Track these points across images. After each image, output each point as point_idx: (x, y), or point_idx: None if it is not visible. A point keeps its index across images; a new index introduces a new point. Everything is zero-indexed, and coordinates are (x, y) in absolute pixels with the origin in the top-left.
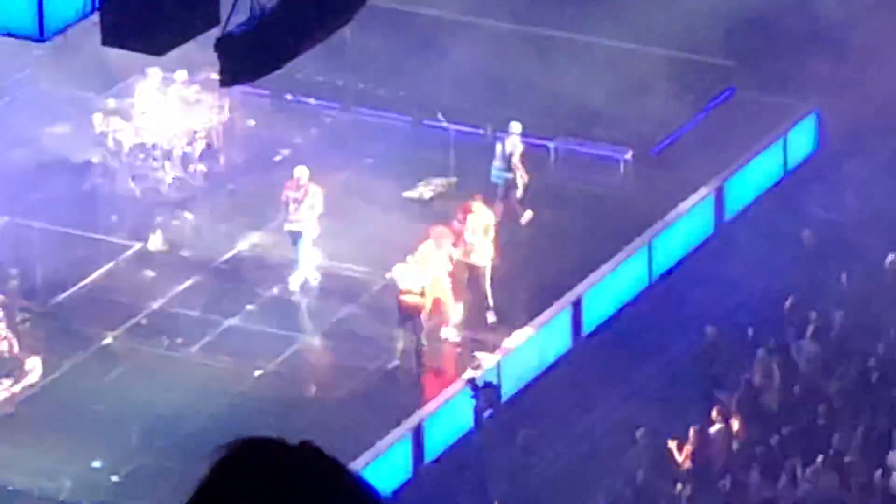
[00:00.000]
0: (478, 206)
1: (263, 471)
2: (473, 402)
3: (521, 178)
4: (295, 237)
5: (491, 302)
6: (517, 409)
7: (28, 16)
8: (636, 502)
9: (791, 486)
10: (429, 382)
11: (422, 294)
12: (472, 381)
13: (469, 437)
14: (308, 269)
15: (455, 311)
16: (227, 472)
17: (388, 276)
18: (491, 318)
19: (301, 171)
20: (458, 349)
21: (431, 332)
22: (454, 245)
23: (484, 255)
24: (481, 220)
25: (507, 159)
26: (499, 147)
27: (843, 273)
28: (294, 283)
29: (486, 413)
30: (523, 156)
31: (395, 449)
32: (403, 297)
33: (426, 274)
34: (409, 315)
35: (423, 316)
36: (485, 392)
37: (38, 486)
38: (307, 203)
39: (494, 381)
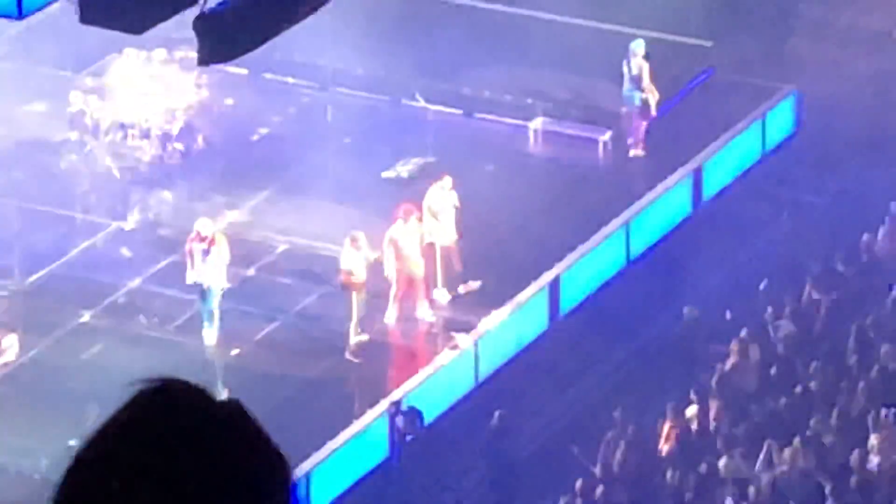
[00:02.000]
0: (446, 184)
1: (178, 414)
2: (394, 425)
3: (653, 96)
4: (204, 292)
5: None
6: (494, 389)
7: None
8: (613, 483)
9: (768, 467)
10: (406, 362)
11: (354, 273)
12: (396, 404)
13: (446, 416)
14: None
15: (428, 290)
16: (141, 408)
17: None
18: (445, 296)
19: (203, 224)
20: (434, 328)
21: (406, 312)
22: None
23: (450, 232)
24: (449, 198)
25: (637, 80)
26: (625, 68)
27: (821, 254)
28: (209, 338)
29: (408, 437)
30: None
31: (373, 427)
32: (342, 277)
33: (365, 254)
34: (347, 294)
35: (362, 295)
36: (408, 416)
37: (14, 463)
38: (214, 254)
39: (418, 407)
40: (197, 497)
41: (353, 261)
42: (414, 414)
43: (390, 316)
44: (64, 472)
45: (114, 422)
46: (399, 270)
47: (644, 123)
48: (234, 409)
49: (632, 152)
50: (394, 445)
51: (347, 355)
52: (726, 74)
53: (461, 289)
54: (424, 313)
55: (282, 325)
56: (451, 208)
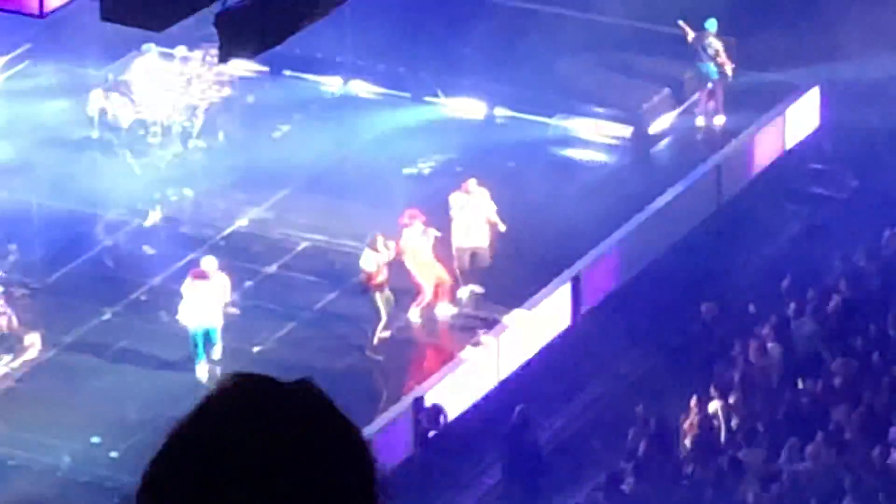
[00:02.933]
0: (473, 187)
1: (253, 405)
2: (418, 422)
3: (729, 66)
4: (206, 331)
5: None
6: (517, 386)
7: None
8: (636, 478)
9: (790, 463)
10: (428, 360)
11: (377, 274)
12: (419, 401)
13: (468, 414)
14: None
15: (450, 291)
16: (217, 404)
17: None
18: (470, 293)
19: (209, 262)
20: (456, 326)
21: (429, 310)
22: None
23: (482, 236)
24: (478, 201)
25: (714, 56)
26: (699, 48)
27: (844, 250)
28: (202, 373)
29: (431, 433)
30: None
31: (395, 425)
32: (365, 280)
33: (386, 255)
34: (371, 295)
35: (384, 295)
36: (430, 412)
37: (37, 461)
38: (215, 294)
39: (440, 403)
40: (283, 481)
41: (374, 262)
42: (437, 410)
43: (414, 314)
44: (144, 475)
45: (194, 420)
46: (420, 275)
47: (722, 92)
48: (305, 390)
49: (716, 120)
50: (416, 442)
51: (368, 353)
52: (748, 70)
53: (463, 293)
54: (444, 311)
55: (303, 322)
56: (488, 208)
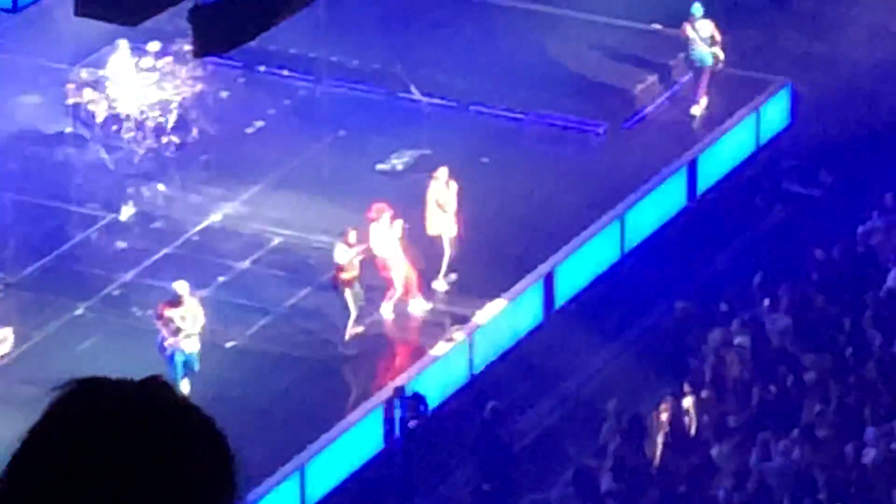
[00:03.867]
0: (442, 175)
1: (100, 409)
2: (398, 411)
3: (720, 50)
4: (185, 357)
5: (445, 271)
6: (488, 382)
7: None
8: (608, 474)
9: (763, 460)
10: (400, 355)
11: (350, 269)
12: (400, 390)
13: (439, 412)
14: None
15: (420, 285)
16: (61, 412)
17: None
18: (443, 286)
19: (181, 287)
20: (429, 321)
21: (401, 305)
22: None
23: (450, 226)
24: (447, 192)
25: (708, 40)
26: (691, 32)
27: (816, 247)
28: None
29: (412, 423)
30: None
31: (367, 421)
32: (337, 274)
33: (357, 250)
34: (341, 290)
35: (354, 290)
36: (411, 402)
37: (7, 457)
38: (191, 318)
39: (422, 392)
40: (137, 481)
41: (346, 256)
42: (417, 399)
43: (386, 310)
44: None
45: (35, 432)
46: (390, 270)
47: (708, 79)
48: (156, 386)
49: (694, 108)
50: (391, 434)
51: (341, 348)
52: (721, 67)
53: (438, 285)
54: (417, 307)
55: (276, 318)
56: (454, 200)
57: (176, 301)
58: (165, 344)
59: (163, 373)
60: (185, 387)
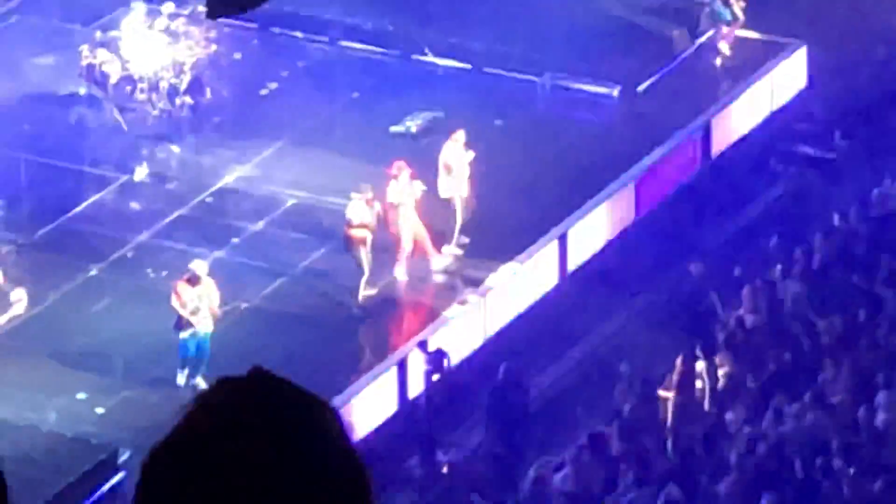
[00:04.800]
0: (460, 137)
1: (264, 402)
2: (424, 366)
3: (739, 5)
4: (200, 338)
5: (457, 235)
6: (502, 344)
7: None
8: (619, 438)
9: (776, 423)
10: (414, 317)
11: (365, 227)
12: (423, 345)
13: (452, 375)
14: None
15: (436, 243)
16: (207, 409)
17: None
18: (455, 250)
19: (199, 266)
20: (443, 284)
21: (414, 267)
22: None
23: (462, 187)
24: (462, 155)
25: None
26: None
27: (831, 210)
28: (181, 380)
29: (435, 377)
30: None
31: (380, 382)
32: (349, 231)
33: (373, 208)
34: (355, 248)
35: (368, 248)
36: (434, 357)
37: (22, 417)
38: (206, 299)
39: (444, 348)
40: (275, 489)
41: (362, 213)
42: (441, 354)
43: (400, 271)
44: (144, 463)
45: (197, 408)
46: (402, 227)
47: (734, 32)
48: (321, 405)
49: (719, 60)
50: (404, 396)
51: (355, 309)
52: (740, 25)
53: (449, 249)
54: (439, 264)
55: (290, 279)
56: (467, 163)
57: (193, 280)
58: (182, 322)
59: (176, 342)
60: (183, 377)
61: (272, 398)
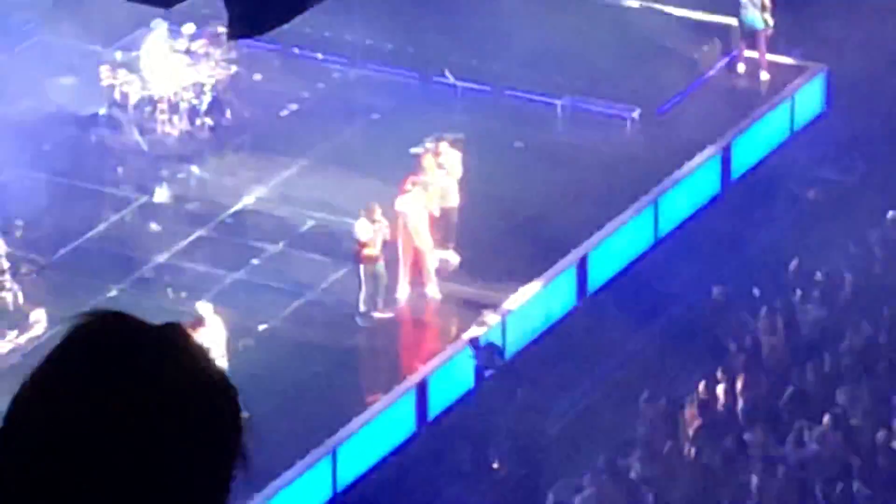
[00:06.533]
0: (445, 148)
1: (117, 344)
2: (474, 361)
3: (769, 20)
4: None
5: (452, 243)
6: (520, 367)
7: None
8: (639, 462)
9: (796, 446)
10: (433, 339)
11: (373, 245)
12: (474, 340)
13: (472, 393)
14: None
15: (436, 262)
16: (74, 343)
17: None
18: (454, 258)
19: (204, 308)
20: (462, 306)
21: (422, 287)
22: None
23: (453, 196)
24: (451, 162)
25: (759, 4)
26: None
27: (850, 233)
28: None
29: (487, 373)
30: None
31: (399, 406)
32: (357, 250)
33: (382, 226)
34: (362, 266)
35: (375, 268)
36: (486, 351)
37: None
38: (215, 339)
39: (497, 341)
40: (141, 418)
41: (367, 232)
42: (493, 349)
43: (402, 291)
44: (6, 411)
45: (50, 358)
46: (406, 243)
47: (765, 45)
48: (172, 331)
49: (761, 76)
50: (423, 418)
51: (360, 321)
52: (755, 53)
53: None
54: (433, 292)
55: (309, 300)
56: (458, 169)
57: (198, 322)
58: None
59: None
60: None
61: (125, 332)
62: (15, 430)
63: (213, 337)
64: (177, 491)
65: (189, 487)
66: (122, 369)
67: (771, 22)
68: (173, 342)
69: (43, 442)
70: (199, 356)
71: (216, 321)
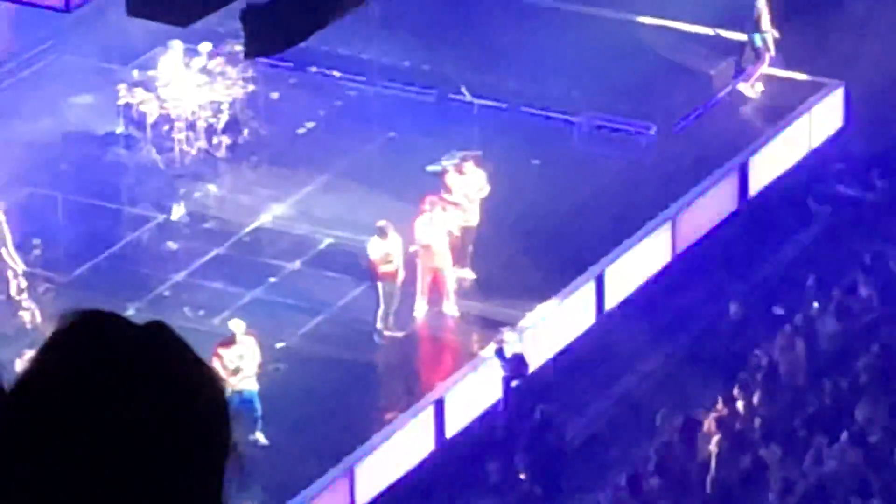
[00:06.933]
0: (470, 168)
1: (102, 343)
2: (501, 371)
3: (771, 36)
4: (245, 397)
5: (469, 261)
6: (538, 384)
7: None
8: (660, 478)
9: (815, 463)
10: (451, 356)
11: (386, 262)
12: (500, 351)
13: (488, 414)
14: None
15: (455, 281)
16: (63, 341)
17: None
18: (470, 275)
19: (237, 326)
20: (479, 324)
21: (431, 302)
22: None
23: (473, 216)
24: (474, 183)
25: (757, 22)
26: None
27: (867, 250)
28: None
29: (514, 383)
30: None
31: (418, 421)
32: (371, 267)
33: (397, 244)
34: (382, 283)
35: (396, 284)
36: (512, 362)
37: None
38: (246, 358)
39: (522, 351)
40: (130, 415)
41: (380, 250)
42: (519, 360)
43: (419, 311)
44: None
45: (37, 360)
46: (424, 263)
47: (764, 62)
48: (157, 328)
49: (751, 91)
50: (441, 436)
51: (376, 338)
52: (773, 69)
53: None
54: (450, 310)
55: (327, 318)
56: (480, 190)
57: (231, 340)
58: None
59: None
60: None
61: (110, 330)
62: (3, 430)
63: (245, 354)
64: (169, 487)
65: (181, 483)
66: (109, 367)
67: (771, 42)
68: (158, 339)
69: (31, 442)
70: (184, 352)
71: (249, 339)
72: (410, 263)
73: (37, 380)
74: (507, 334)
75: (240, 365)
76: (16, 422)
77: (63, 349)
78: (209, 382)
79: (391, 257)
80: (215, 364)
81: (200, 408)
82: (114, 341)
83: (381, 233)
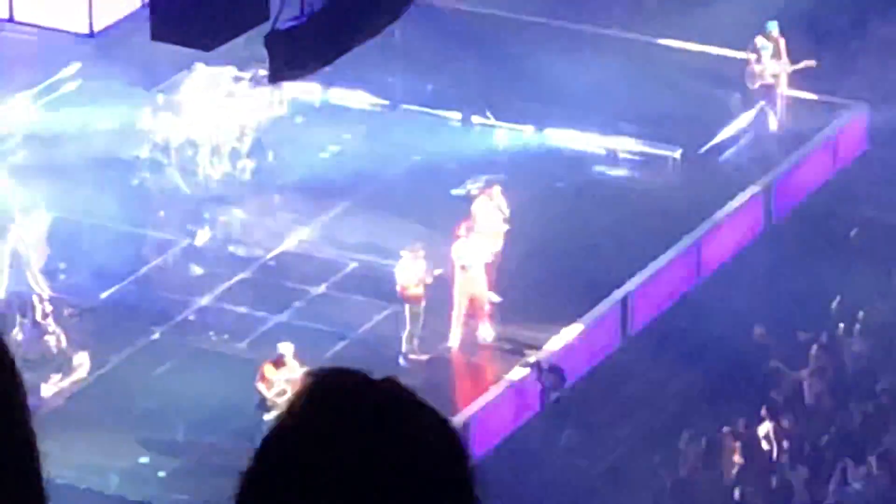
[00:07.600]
0: (496, 192)
1: (347, 400)
2: (539, 385)
3: (787, 70)
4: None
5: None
6: (563, 408)
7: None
8: (685, 500)
9: (841, 486)
10: (474, 379)
11: (415, 286)
12: (537, 364)
13: (517, 433)
14: None
15: (485, 310)
16: (310, 405)
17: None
18: (495, 298)
19: (286, 349)
20: (504, 348)
21: (472, 330)
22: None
23: (499, 240)
24: (499, 206)
25: (775, 56)
26: (761, 45)
27: (893, 272)
28: None
29: (553, 396)
30: None
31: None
32: (400, 290)
33: (423, 267)
34: (410, 307)
35: (416, 310)
36: (550, 375)
37: (85, 480)
38: (292, 382)
39: (559, 364)
40: (382, 477)
41: (408, 273)
42: (557, 371)
43: (454, 337)
44: (246, 473)
45: (287, 416)
46: (462, 288)
47: (779, 97)
48: (395, 386)
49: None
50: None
51: (402, 362)
52: (797, 91)
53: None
54: (486, 333)
55: (352, 342)
56: (504, 214)
57: (279, 361)
58: (268, 404)
59: (240, 395)
60: None
61: (359, 388)
62: (261, 475)
63: (292, 378)
64: None
65: None
66: (363, 424)
67: (784, 77)
68: (400, 395)
69: (288, 490)
70: (424, 407)
71: (295, 363)
72: (436, 287)
73: (294, 431)
74: (547, 344)
75: (285, 387)
76: (271, 470)
77: (318, 405)
78: (450, 435)
79: (419, 280)
80: (260, 387)
81: (447, 460)
82: (365, 399)
83: (410, 255)
